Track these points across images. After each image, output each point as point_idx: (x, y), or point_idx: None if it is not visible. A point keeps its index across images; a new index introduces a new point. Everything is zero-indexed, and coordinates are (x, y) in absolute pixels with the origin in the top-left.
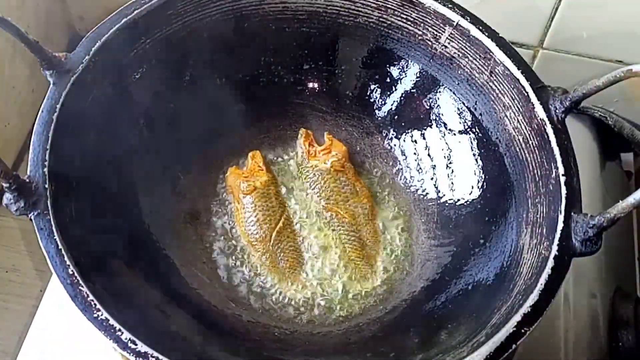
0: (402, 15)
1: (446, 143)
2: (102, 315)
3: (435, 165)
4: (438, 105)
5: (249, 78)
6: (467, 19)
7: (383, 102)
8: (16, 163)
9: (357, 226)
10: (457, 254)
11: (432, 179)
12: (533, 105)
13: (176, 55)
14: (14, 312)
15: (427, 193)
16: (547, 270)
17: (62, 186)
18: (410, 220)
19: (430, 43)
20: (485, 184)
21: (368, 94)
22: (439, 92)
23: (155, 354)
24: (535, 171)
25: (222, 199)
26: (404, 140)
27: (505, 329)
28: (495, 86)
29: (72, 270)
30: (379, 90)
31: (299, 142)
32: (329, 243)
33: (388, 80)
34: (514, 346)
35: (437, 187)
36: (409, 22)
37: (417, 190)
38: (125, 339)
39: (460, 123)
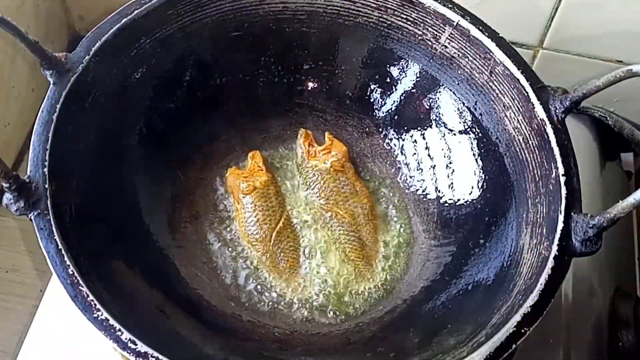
0: (402, 15)
1: (446, 143)
2: (102, 315)
3: (435, 165)
4: (438, 105)
5: (249, 78)
6: (467, 19)
7: (383, 102)
8: (16, 163)
9: (356, 226)
10: (457, 254)
11: (432, 179)
12: (533, 105)
13: (176, 55)
14: (14, 312)
15: (427, 193)
16: (547, 270)
17: (62, 186)
18: (410, 221)
19: (430, 43)
20: (485, 184)
21: (368, 94)
22: (439, 92)
23: (155, 354)
24: (535, 171)
25: (222, 199)
26: (404, 140)
27: (505, 329)
28: (495, 86)
29: (72, 270)
30: (379, 90)
31: (298, 142)
32: (329, 243)
33: (388, 80)
34: (514, 346)
35: (437, 187)
36: (409, 22)
37: (417, 190)
38: (125, 339)
39: (460, 123)
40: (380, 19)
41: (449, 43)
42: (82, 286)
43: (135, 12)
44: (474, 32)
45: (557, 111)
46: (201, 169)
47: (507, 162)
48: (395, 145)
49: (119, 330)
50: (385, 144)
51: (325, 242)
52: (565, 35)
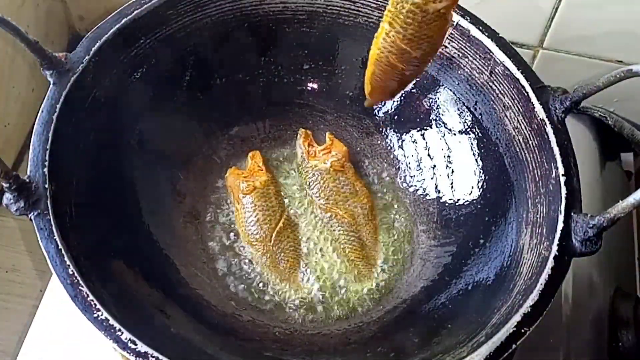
0: None
1: (446, 143)
2: (102, 315)
3: (435, 165)
4: (438, 105)
5: (249, 78)
6: (467, 19)
7: (383, 102)
8: (16, 163)
9: (356, 226)
10: (457, 254)
11: (432, 179)
12: (533, 105)
13: (176, 55)
14: (14, 312)
15: (427, 193)
16: (547, 270)
17: (62, 186)
18: (410, 220)
19: None
20: (485, 184)
21: None
22: (439, 92)
23: (155, 354)
24: (535, 171)
25: (222, 199)
26: (404, 140)
27: (505, 329)
28: (495, 86)
29: (72, 270)
30: None
31: (298, 142)
32: (329, 243)
33: None
34: (513, 346)
35: (437, 187)
36: None
37: (417, 190)
38: (125, 339)
39: (460, 123)
40: (380, 19)
41: (449, 43)
42: (82, 286)
43: (135, 12)
44: (474, 32)
45: (557, 111)
46: (201, 169)
47: (507, 162)
48: (395, 145)
49: (119, 330)
50: (385, 144)
51: (325, 242)
52: (565, 35)
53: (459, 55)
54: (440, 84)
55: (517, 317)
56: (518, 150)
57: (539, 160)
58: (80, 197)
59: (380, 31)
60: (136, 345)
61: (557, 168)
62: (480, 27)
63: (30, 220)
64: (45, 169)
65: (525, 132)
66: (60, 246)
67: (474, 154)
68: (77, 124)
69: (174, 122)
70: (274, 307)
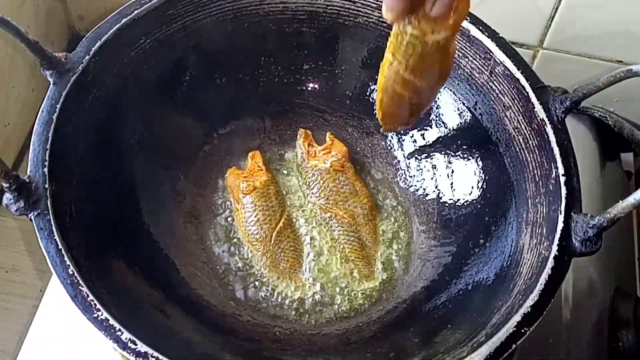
0: None
1: (446, 143)
2: (102, 315)
3: (435, 165)
4: (438, 105)
5: (249, 78)
6: (467, 19)
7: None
8: (16, 163)
9: (356, 226)
10: (457, 254)
11: (432, 179)
12: (533, 105)
13: (176, 55)
14: (14, 312)
15: (427, 193)
16: (547, 270)
17: (62, 186)
18: (410, 220)
19: None
20: (485, 184)
21: (368, 94)
22: (439, 92)
23: (155, 354)
24: (535, 171)
25: (222, 199)
26: (404, 141)
27: (505, 329)
28: (495, 86)
29: (72, 270)
30: None
31: (298, 142)
32: (329, 243)
33: None
34: (513, 346)
35: (437, 187)
36: None
37: (417, 190)
38: (125, 339)
39: (460, 123)
40: (380, 19)
41: None
42: (82, 286)
43: (135, 12)
44: (474, 32)
45: (557, 111)
46: (201, 169)
47: (507, 162)
48: (395, 145)
49: (119, 330)
50: (385, 144)
51: (325, 242)
52: (565, 35)
53: (459, 55)
54: None
55: (517, 317)
56: (518, 150)
57: (539, 160)
58: (80, 197)
59: (384, 60)
60: (136, 345)
61: (557, 168)
62: (480, 27)
63: (30, 220)
64: (45, 169)
65: (525, 132)
66: (60, 246)
67: (474, 154)
68: (77, 124)
69: (174, 122)
70: (274, 307)
